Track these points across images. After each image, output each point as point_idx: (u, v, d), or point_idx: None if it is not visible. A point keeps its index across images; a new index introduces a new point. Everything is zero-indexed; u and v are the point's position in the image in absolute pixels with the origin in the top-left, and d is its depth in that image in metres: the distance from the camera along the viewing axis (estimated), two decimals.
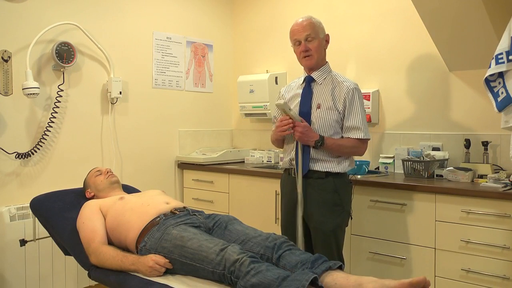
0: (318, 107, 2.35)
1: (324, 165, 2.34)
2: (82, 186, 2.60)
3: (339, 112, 2.34)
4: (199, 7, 3.97)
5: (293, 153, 2.37)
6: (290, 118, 2.29)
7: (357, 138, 2.35)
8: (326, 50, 2.45)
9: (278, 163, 3.51)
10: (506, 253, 2.30)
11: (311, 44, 2.34)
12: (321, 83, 2.40)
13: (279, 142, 2.51)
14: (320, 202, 2.33)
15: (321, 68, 2.41)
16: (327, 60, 2.46)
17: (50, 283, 2.91)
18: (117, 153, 3.42)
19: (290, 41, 2.44)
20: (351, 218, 2.46)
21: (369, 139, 2.40)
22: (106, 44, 3.31)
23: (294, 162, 2.36)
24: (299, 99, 2.42)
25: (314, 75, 2.41)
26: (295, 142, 2.34)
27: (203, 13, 4.01)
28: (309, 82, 2.42)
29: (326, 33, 2.43)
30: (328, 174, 2.34)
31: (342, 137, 2.39)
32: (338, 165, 2.35)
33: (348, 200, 2.42)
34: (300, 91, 2.43)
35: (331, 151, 2.33)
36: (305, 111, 2.36)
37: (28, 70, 2.82)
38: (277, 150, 3.65)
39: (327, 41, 2.43)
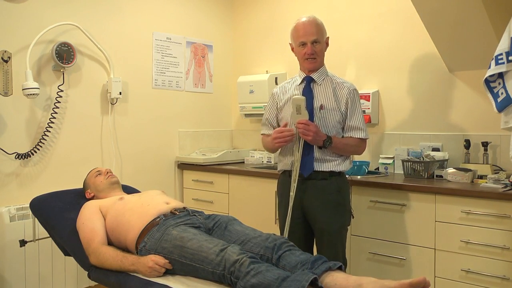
0: (322, 108, 2.36)
1: (329, 164, 2.35)
2: (82, 187, 2.59)
3: (341, 113, 2.37)
4: (199, 7, 3.97)
5: (297, 154, 2.34)
6: (297, 114, 2.26)
7: (358, 138, 2.39)
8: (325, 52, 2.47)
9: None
10: (506, 254, 2.30)
11: (317, 48, 2.36)
12: (320, 84, 2.41)
13: (274, 149, 2.49)
14: (324, 203, 2.34)
15: (319, 70, 2.42)
16: (325, 61, 2.47)
17: (50, 283, 2.91)
18: (117, 153, 3.42)
19: (291, 39, 2.43)
20: (353, 217, 2.49)
21: (368, 138, 2.44)
22: (106, 45, 3.31)
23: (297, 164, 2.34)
24: None
25: (314, 76, 2.41)
26: (298, 143, 2.31)
27: (203, 13, 4.01)
28: (309, 82, 2.42)
29: (327, 35, 2.44)
30: (331, 174, 2.36)
31: (343, 136, 2.41)
32: (340, 164, 2.38)
33: (348, 200, 2.46)
34: (298, 92, 2.42)
35: (336, 151, 2.36)
36: (308, 111, 2.33)
37: (28, 70, 2.82)
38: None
39: (327, 44, 2.45)
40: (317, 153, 2.35)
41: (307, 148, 2.33)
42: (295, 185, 2.31)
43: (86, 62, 3.24)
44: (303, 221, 2.40)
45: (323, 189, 2.34)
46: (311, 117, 2.33)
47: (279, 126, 2.46)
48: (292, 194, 2.32)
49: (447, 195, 2.48)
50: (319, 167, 2.35)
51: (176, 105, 3.81)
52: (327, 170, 2.35)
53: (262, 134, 2.59)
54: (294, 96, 2.30)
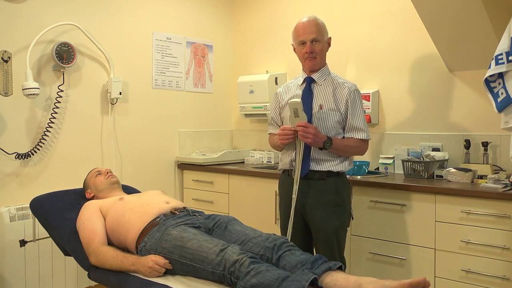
0: (320, 108, 2.35)
1: (326, 164, 2.34)
2: (82, 187, 2.59)
3: (341, 113, 2.35)
4: (199, 7, 3.97)
5: (293, 154, 2.36)
6: (295, 117, 2.24)
7: (359, 139, 2.37)
8: (327, 52, 2.45)
9: (278, 163, 3.50)
10: (506, 254, 2.30)
11: (316, 47, 2.34)
12: (321, 84, 2.40)
13: (281, 146, 2.49)
14: (322, 203, 2.33)
15: (321, 70, 2.41)
16: (326, 61, 2.46)
17: (50, 283, 2.91)
18: (117, 153, 3.42)
19: (292, 39, 2.43)
20: (352, 218, 2.47)
21: (369, 139, 2.42)
22: (106, 45, 3.31)
23: (294, 163, 2.35)
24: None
25: (315, 76, 2.40)
26: (297, 144, 2.31)
27: (203, 14, 4.01)
28: (309, 83, 2.41)
29: (329, 35, 2.43)
30: (329, 174, 2.34)
31: (343, 137, 2.40)
32: (339, 165, 2.36)
33: (348, 201, 2.43)
34: (300, 92, 2.42)
35: (337, 152, 2.34)
36: (307, 112, 2.34)
37: (28, 70, 2.82)
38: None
39: (329, 44, 2.44)
40: (314, 153, 2.34)
41: (305, 149, 2.32)
42: (297, 187, 2.30)
43: (86, 62, 3.24)
44: (302, 221, 2.39)
45: (320, 189, 2.33)
46: (310, 119, 2.32)
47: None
48: (294, 196, 2.30)
49: (447, 195, 2.48)
50: (316, 167, 2.34)
51: (176, 105, 3.81)
52: (325, 170, 2.34)
53: (269, 134, 2.62)
54: (290, 100, 2.28)
